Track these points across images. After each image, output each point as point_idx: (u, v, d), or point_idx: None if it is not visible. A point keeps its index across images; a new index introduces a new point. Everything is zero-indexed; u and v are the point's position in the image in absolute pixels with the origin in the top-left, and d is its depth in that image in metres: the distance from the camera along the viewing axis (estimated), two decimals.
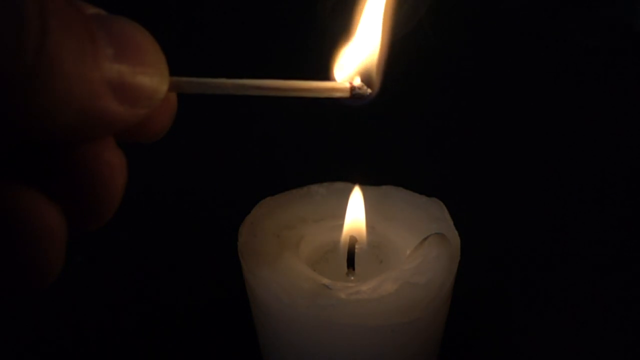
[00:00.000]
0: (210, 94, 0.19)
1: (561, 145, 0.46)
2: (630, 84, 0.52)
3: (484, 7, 0.59)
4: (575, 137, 0.47)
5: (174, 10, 0.59)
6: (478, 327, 0.34)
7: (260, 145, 0.46)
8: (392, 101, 0.47)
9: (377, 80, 0.22)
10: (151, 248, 0.38)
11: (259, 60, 0.53)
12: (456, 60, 0.55)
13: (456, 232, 0.29)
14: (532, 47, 0.56)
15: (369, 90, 0.22)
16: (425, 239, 0.28)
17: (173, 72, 0.18)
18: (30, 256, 0.16)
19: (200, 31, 0.58)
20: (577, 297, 0.35)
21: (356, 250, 0.29)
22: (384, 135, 0.46)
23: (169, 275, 0.37)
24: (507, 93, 0.51)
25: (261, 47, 0.55)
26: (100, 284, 0.36)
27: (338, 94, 0.21)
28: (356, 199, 0.30)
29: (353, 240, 0.29)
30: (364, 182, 0.30)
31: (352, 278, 0.29)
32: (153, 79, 0.17)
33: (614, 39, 0.57)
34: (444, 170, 0.44)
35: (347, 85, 0.21)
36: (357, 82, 0.21)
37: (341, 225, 0.29)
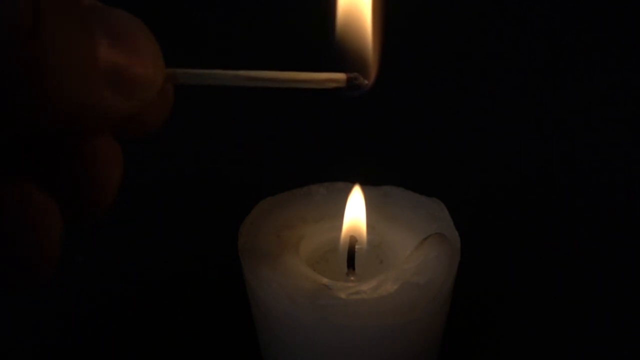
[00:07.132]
0: (207, 89, 0.19)
1: (562, 145, 0.46)
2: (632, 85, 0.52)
3: (489, 3, 0.59)
4: (576, 137, 0.47)
5: (171, 3, 0.59)
6: (478, 327, 0.34)
7: (260, 144, 0.46)
8: (393, 100, 0.47)
9: (373, 70, 0.22)
10: (151, 248, 0.38)
11: (254, 52, 0.53)
12: (457, 58, 0.54)
13: (456, 232, 0.29)
14: (535, 46, 0.56)
15: (366, 81, 0.22)
16: (425, 239, 0.28)
17: (169, 64, 0.18)
18: (23, 249, 0.16)
19: (197, 23, 0.58)
20: (577, 297, 0.35)
21: (356, 250, 0.29)
22: (384, 135, 0.46)
23: (168, 275, 0.37)
24: (507, 92, 0.51)
25: (259, 41, 0.55)
26: (100, 284, 0.36)
27: (334, 85, 0.21)
28: (356, 198, 0.30)
29: (353, 240, 0.29)
30: (364, 182, 0.30)
31: (352, 278, 0.29)
32: (149, 70, 0.16)
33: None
34: (444, 170, 0.44)
35: (344, 75, 0.21)
36: (353, 72, 0.21)
37: (341, 225, 0.29)
